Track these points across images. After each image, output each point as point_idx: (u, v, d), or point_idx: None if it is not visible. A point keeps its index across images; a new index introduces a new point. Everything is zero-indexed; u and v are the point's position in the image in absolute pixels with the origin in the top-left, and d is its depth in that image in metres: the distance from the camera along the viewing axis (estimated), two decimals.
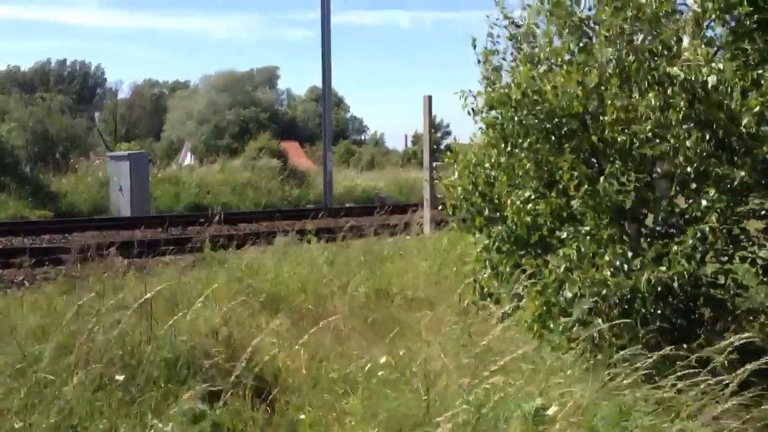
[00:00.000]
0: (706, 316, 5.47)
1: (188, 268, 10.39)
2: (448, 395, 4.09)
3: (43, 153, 28.92)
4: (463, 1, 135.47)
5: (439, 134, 61.46)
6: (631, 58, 5.16)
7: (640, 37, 5.29)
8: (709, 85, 4.77)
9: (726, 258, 5.49)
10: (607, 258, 5.12)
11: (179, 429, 3.97)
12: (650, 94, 4.99)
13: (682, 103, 4.86)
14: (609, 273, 5.10)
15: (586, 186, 5.29)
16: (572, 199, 5.37)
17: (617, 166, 5.27)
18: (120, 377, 4.28)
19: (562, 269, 5.33)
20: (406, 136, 70.99)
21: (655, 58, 5.12)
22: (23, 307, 6.76)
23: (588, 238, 5.08)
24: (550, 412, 3.41)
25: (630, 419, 3.64)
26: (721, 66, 4.79)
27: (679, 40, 5.21)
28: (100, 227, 18.23)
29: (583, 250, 5.16)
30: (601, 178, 5.33)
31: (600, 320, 5.09)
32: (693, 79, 4.86)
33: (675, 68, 4.89)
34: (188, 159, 49.82)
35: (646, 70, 5.08)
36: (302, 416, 4.40)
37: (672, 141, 4.85)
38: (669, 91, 4.98)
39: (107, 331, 5.11)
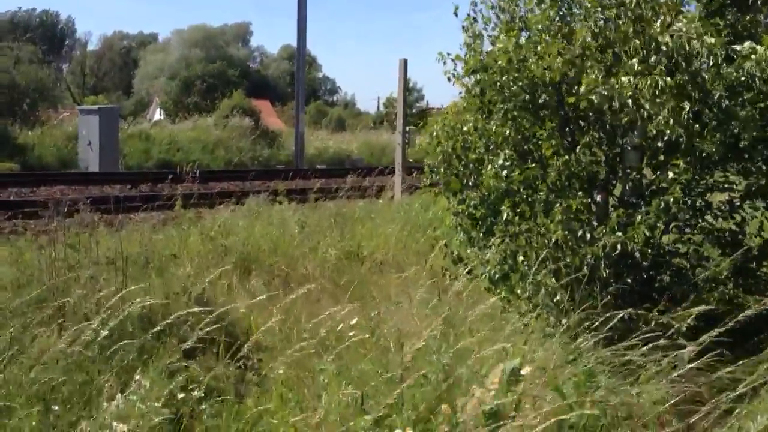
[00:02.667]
0: (666, 283, 5.65)
1: (159, 226, 10.39)
2: (418, 356, 4.22)
3: (10, 104, 28.35)
4: None
5: (413, 97, 61.31)
6: (621, 20, 5.25)
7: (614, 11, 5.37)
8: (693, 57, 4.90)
9: (687, 229, 5.69)
10: (573, 226, 5.25)
11: (159, 384, 4.06)
12: (633, 59, 5.09)
13: (661, 72, 4.96)
14: (570, 238, 5.24)
15: (564, 157, 5.39)
16: (547, 168, 5.49)
17: (599, 135, 5.39)
18: (103, 332, 4.34)
19: (522, 232, 5.47)
20: (378, 99, 70.79)
21: (642, 25, 5.21)
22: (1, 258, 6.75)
23: (557, 206, 5.21)
24: (524, 372, 3.55)
25: (594, 381, 3.81)
26: (712, 40, 4.90)
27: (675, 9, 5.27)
28: (69, 182, 18.08)
29: (551, 218, 5.29)
30: (577, 149, 5.45)
31: (560, 284, 5.24)
32: (680, 47, 4.96)
33: (666, 36, 4.98)
34: (157, 115, 49.20)
35: (632, 35, 5.18)
36: (279, 372, 4.50)
37: (648, 108, 4.95)
38: (651, 60, 5.07)
39: (82, 287, 5.16)
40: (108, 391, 4.13)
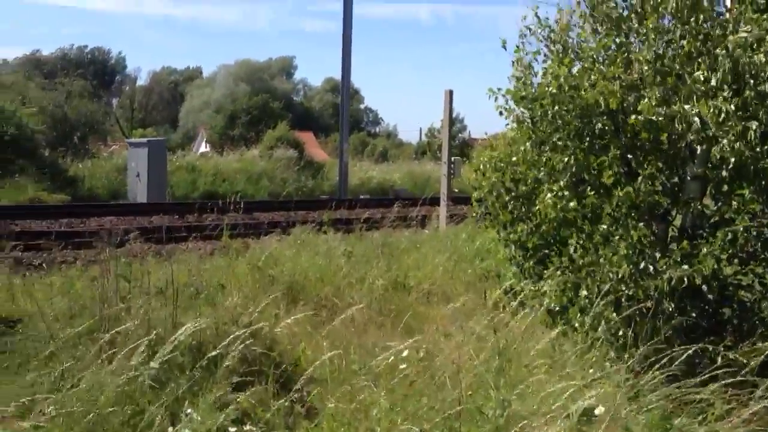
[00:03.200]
0: (728, 316, 5.44)
1: (207, 256, 10.45)
2: (474, 390, 4.09)
3: (62, 138, 29.01)
4: None
5: (455, 128, 61.29)
6: (686, 39, 5.12)
7: (678, 32, 5.25)
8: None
9: (755, 261, 5.47)
10: (635, 259, 5.10)
11: (209, 417, 3.99)
12: (696, 82, 4.94)
13: (727, 92, 4.79)
14: (633, 271, 5.08)
15: (627, 188, 5.25)
16: (605, 197, 5.35)
17: (659, 165, 5.24)
18: (155, 364, 4.30)
19: (586, 265, 5.32)
20: (420, 129, 71.02)
21: (708, 42, 5.08)
22: (52, 289, 6.81)
23: (617, 238, 5.06)
24: (597, 412, 3.40)
25: (666, 421, 3.64)
26: None
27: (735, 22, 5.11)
28: (118, 213, 18.34)
29: (612, 250, 5.14)
30: (639, 179, 5.30)
31: (622, 318, 5.07)
32: (744, 61, 4.79)
33: (730, 45, 4.81)
34: (203, 147, 49.95)
35: (695, 55, 5.04)
36: (330, 405, 4.39)
37: (713, 131, 4.77)
38: (714, 80, 4.91)
39: (134, 317, 5.14)
40: (159, 423, 4.07)
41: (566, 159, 5.57)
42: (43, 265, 11.01)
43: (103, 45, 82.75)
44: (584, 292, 5.29)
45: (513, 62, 6.29)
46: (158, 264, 8.60)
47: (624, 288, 5.06)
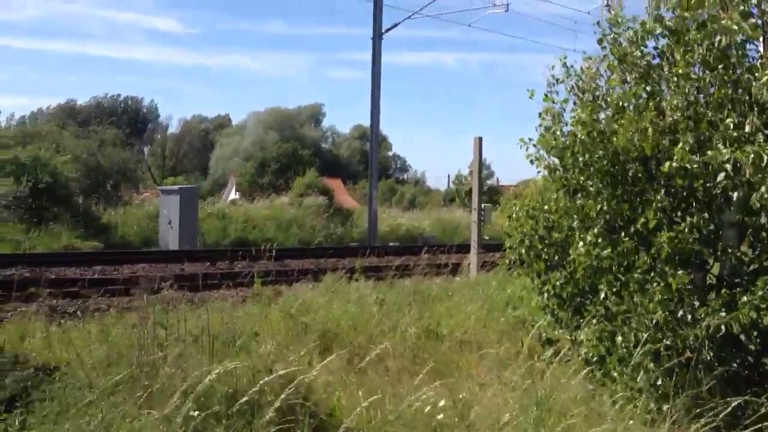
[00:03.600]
0: None
1: (239, 303, 10.50)
2: None
3: (95, 185, 29.51)
4: (510, 44, 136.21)
5: (483, 174, 61.34)
6: (716, 85, 5.15)
7: (707, 79, 5.28)
8: None
9: None
10: (672, 307, 5.05)
11: None
12: (730, 128, 4.95)
13: (763, 139, 4.77)
14: (670, 319, 5.03)
15: (669, 234, 5.22)
16: (640, 244, 5.33)
17: (704, 217, 5.22)
18: (191, 411, 4.31)
19: (620, 313, 5.27)
20: (448, 176, 71.24)
21: (738, 88, 5.09)
22: (89, 336, 6.87)
23: (656, 285, 5.02)
24: None
25: None
26: None
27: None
28: (150, 260, 18.51)
29: (648, 297, 5.09)
30: (683, 225, 5.26)
31: (662, 368, 5.00)
32: None
33: (762, 89, 4.81)
34: (233, 194, 50.51)
35: (727, 101, 5.05)
36: None
37: (751, 177, 4.74)
38: (749, 124, 4.90)
39: (170, 365, 5.17)
40: None
41: (599, 206, 5.57)
42: (78, 312, 11.12)
43: (136, 94, 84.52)
44: (620, 340, 5.24)
45: (540, 113, 6.37)
46: (192, 311, 8.66)
47: (662, 337, 5.00)
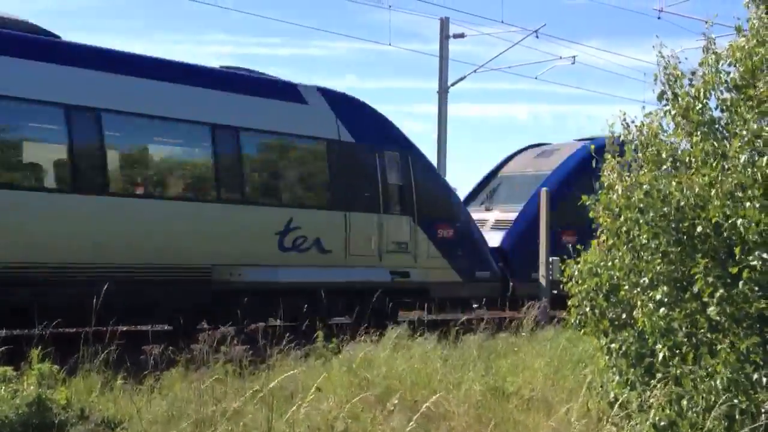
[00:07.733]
0: None
1: (301, 357, 10.44)
2: None
3: None
4: (579, 96, 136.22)
5: None
6: None
7: None
8: None
9: None
10: (744, 369, 4.81)
11: None
12: None
13: None
14: (743, 381, 4.79)
15: (721, 291, 5.02)
16: (707, 305, 5.12)
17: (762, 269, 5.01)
18: None
19: (687, 374, 5.06)
20: None
21: None
22: (152, 391, 6.92)
23: (726, 347, 4.79)
24: None
25: None
26: None
27: None
28: None
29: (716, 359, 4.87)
30: (740, 283, 5.05)
31: None
32: None
33: None
34: None
35: None
36: None
37: None
38: None
39: (229, 421, 5.15)
40: None
41: (658, 267, 5.40)
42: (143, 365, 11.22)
43: None
44: (685, 404, 5.01)
45: (602, 169, 6.30)
46: (252, 365, 8.64)
47: (735, 400, 4.76)
